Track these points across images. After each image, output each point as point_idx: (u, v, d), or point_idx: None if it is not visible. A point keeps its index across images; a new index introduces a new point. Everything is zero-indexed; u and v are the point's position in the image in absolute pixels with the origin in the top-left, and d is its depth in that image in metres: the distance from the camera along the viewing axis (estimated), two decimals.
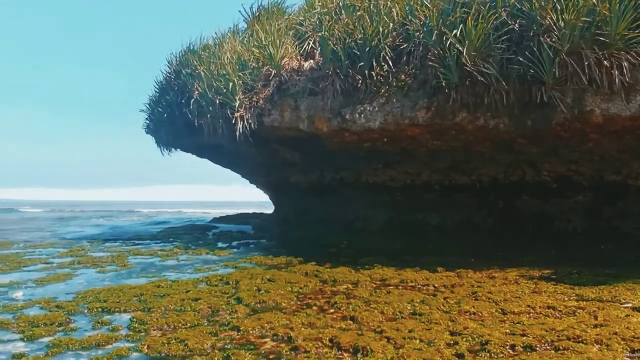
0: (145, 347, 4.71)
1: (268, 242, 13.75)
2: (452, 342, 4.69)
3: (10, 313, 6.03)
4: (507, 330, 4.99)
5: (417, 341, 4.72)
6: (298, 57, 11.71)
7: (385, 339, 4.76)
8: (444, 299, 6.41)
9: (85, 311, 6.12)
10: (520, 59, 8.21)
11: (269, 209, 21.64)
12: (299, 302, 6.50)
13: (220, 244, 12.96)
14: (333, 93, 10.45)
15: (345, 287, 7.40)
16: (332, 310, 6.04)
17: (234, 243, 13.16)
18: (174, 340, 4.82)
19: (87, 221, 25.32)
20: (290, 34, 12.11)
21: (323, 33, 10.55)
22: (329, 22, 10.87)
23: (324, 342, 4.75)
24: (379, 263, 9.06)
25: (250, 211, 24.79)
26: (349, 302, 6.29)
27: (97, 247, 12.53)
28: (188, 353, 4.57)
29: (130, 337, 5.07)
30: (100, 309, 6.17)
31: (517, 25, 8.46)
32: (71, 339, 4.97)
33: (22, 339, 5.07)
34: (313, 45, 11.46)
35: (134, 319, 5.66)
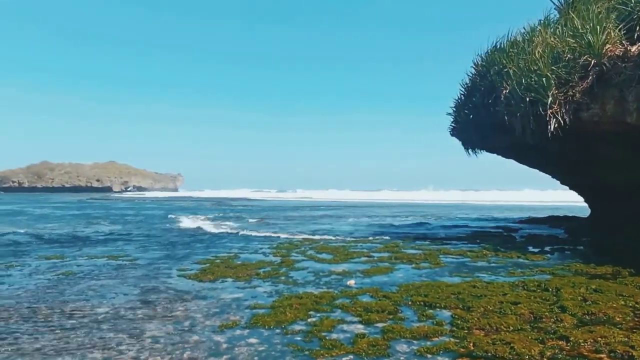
0: (471, 344, 4.83)
1: (586, 248, 12.51)
2: None
3: (347, 298, 6.93)
4: None
5: None
6: (623, 42, 10.36)
7: None
8: None
9: (409, 303, 6.60)
10: None
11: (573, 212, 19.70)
12: (636, 319, 5.73)
13: (530, 248, 12.36)
14: None
15: None
16: None
17: (546, 248, 12.37)
18: (499, 342, 4.81)
19: (399, 219, 27.20)
20: (613, 16, 10.79)
21: None
22: None
23: None
24: None
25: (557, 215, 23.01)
26: None
27: (409, 245, 13.36)
28: (515, 357, 4.49)
29: (455, 333, 5.26)
30: (422, 303, 6.57)
31: None
32: (402, 328, 5.43)
33: (360, 322, 5.77)
34: None
35: (456, 316, 5.86)
